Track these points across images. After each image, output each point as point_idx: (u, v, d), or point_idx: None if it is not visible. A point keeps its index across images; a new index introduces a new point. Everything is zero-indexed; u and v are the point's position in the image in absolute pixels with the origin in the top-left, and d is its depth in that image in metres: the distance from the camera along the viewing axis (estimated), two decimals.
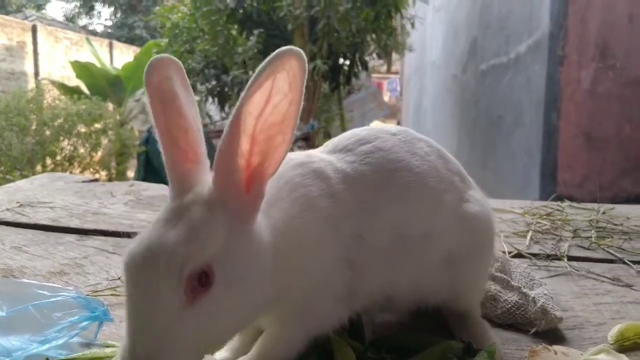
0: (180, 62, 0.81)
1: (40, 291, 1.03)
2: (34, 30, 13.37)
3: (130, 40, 22.57)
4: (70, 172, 8.03)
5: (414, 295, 1.05)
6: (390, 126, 1.13)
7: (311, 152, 1.04)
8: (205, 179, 0.79)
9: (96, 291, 1.35)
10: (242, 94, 0.70)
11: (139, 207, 2.25)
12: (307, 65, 0.71)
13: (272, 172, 0.77)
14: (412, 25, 10.13)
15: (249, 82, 0.70)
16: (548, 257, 1.65)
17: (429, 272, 1.01)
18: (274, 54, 0.69)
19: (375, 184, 0.96)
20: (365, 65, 10.42)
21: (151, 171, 9.28)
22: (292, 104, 0.73)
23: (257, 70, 0.70)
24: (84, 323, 0.98)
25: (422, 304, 1.08)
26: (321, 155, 1.01)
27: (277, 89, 0.72)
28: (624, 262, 1.60)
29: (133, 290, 0.70)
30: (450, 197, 1.04)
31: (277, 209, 0.84)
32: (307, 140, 9.75)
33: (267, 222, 0.81)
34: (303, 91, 0.73)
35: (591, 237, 1.84)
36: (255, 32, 9.08)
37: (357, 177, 0.95)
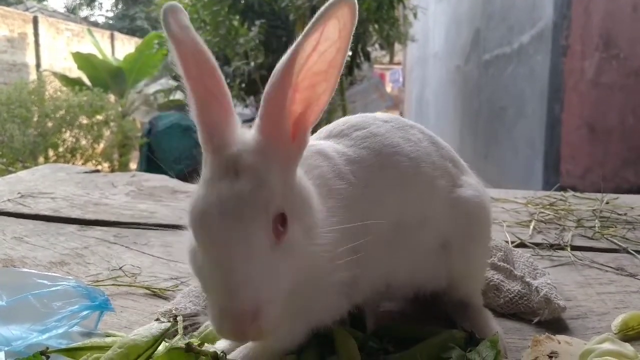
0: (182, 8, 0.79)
1: (40, 280, 1.03)
2: (35, 21, 13.33)
3: (132, 32, 22.51)
4: (73, 164, 8.03)
5: (412, 283, 1.04)
6: (382, 114, 1.13)
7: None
8: (239, 129, 0.78)
9: (97, 281, 1.35)
10: (297, 42, 0.70)
11: (140, 198, 2.25)
12: (357, 13, 0.71)
13: (314, 121, 0.77)
14: (415, 15, 10.05)
15: (304, 32, 0.70)
16: (551, 246, 1.65)
17: (425, 259, 1.01)
18: (324, 6, 0.69)
19: (375, 167, 0.96)
20: (367, 56, 10.36)
21: (154, 162, 9.28)
22: (339, 51, 0.74)
23: (312, 20, 0.70)
24: (84, 312, 0.98)
25: (421, 291, 1.08)
26: (317, 140, 1.00)
27: (326, 37, 0.72)
28: (628, 252, 1.60)
29: (217, 240, 0.70)
30: (444, 182, 1.04)
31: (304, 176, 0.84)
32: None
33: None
34: (350, 39, 0.73)
35: (595, 226, 1.83)
36: (257, 22, 9.02)
37: (359, 160, 0.95)
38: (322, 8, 0.70)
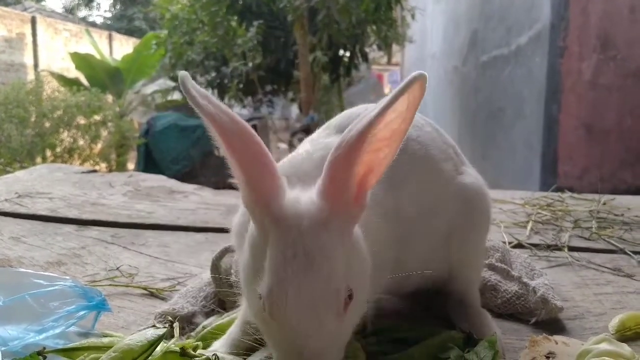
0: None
1: (37, 280, 1.02)
2: (33, 21, 13.31)
3: (130, 32, 22.48)
4: (70, 164, 8.01)
5: (421, 275, 1.04)
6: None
7: (314, 136, 1.03)
8: (289, 192, 0.78)
9: (94, 281, 1.35)
10: (375, 114, 0.71)
11: (137, 198, 2.24)
12: (426, 87, 0.73)
13: (373, 184, 0.78)
14: (413, 16, 10.07)
15: (382, 107, 0.71)
16: (548, 247, 1.65)
17: (435, 248, 1.02)
18: (405, 81, 0.71)
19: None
20: (365, 57, 10.36)
21: (151, 163, 9.27)
22: (404, 121, 0.75)
23: (389, 97, 0.72)
24: (81, 312, 0.97)
25: (424, 285, 1.08)
26: (329, 139, 1.00)
27: (394, 109, 0.73)
28: (625, 253, 1.60)
29: (291, 322, 0.72)
30: (449, 166, 1.07)
31: None
32: (307, 132, 9.70)
33: None
34: (416, 111, 0.75)
35: (592, 227, 1.83)
36: (255, 23, 9.03)
37: None
38: (400, 86, 0.72)
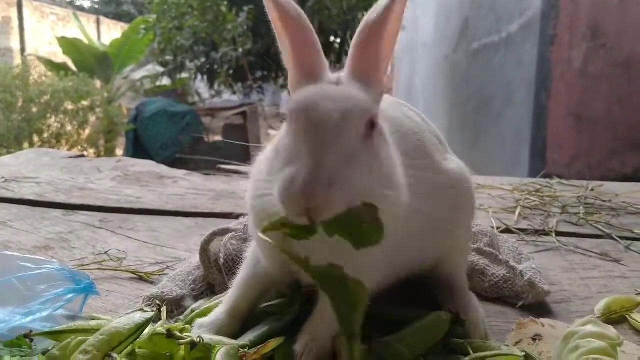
0: None
1: (24, 263, 1.02)
2: (19, 5, 13.10)
3: (118, 16, 22.21)
4: (58, 149, 7.94)
5: (415, 261, 1.05)
6: None
7: None
8: (327, 73, 0.88)
9: (82, 265, 1.34)
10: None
11: (126, 182, 2.23)
12: None
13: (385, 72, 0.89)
14: None
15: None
16: (536, 232, 1.66)
17: (428, 233, 1.01)
18: None
19: (393, 135, 0.97)
20: None
21: (140, 148, 9.21)
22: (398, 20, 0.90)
23: None
24: (69, 295, 0.97)
25: (415, 270, 1.08)
26: None
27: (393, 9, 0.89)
28: (612, 238, 1.61)
29: (312, 123, 0.76)
30: (438, 155, 1.08)
31: None
32: None
33: None
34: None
35: (579, 212, 1.84)
36: (245, 8, 8.94)
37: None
38: None
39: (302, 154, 0.72)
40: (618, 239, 1.60)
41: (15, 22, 13.00)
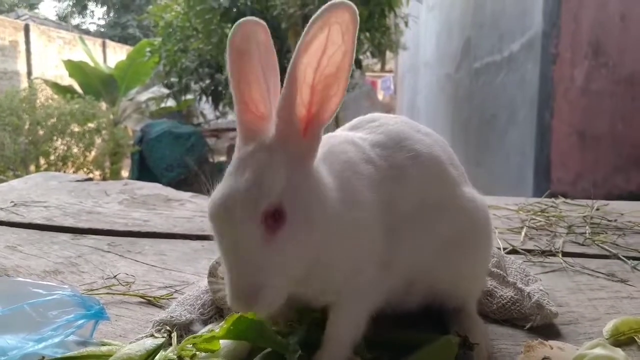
0: (264, 25, 0.86)
1: (36, 290, 1.03)
2: (26, 29, 13.29)
3: (124, 40, 22.49)
4: (64, 172, 7.98)
5: (429, 282, 1.06)
6: (388, 114, 1.17)
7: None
8: (270, 131, 0.84)
9: (91, 290, 1.35)
10: (297, 46, 0.77)
11: (133, 206, 2.24)
12: (358, 18, 0.77)
13: (327, 119, 0.83)
14: (406, 24, 10.11)
15: (302, 35, 0.76)
16: (543, 253, 1.66)
17: (441, 254, 1.02)
18: (324, 7, 0.76)
19: (394, 149, 1.00)
20: (359, 64, 10.39)
21: (145, 170, 9.25)
22: (345, 54, 0.79)
23: (309, 22, 0.76)
24: (80, 321, 0.98)
25: (431, 294, 1.09)
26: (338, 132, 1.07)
27: (332, 41, 0.78)
28: (619, 258, 1.61)
29: (221, 234, 0.80)
30: (454, 171, 1.08)
31: (328, 169, 0.90)
32: None
33: (326, 169, 0.89)
34: (355, 42, 0.79)
35: (585, 233, 1.84)
36: None
37: (380, 143, 1.01)
38: (319, 12, 0.75)
39: (225, 265, 0.81)
40: (625, 259, 1.60)
41: (22, 46, 13.18)
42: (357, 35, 0.79)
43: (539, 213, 2.11)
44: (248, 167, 0.81)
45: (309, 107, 0.82)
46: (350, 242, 0.89)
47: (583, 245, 1.75)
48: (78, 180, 2.75)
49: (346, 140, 0.99)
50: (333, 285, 0.91)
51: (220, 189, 0.81)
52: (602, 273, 1.49)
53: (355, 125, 1.10)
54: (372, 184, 0.93)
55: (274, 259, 0.78)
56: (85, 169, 8.93)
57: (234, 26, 0.84)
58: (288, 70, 0.78)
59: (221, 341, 0.97)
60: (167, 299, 1.31)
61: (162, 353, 0.88)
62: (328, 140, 0.95)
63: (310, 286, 0.91)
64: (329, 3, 0.75)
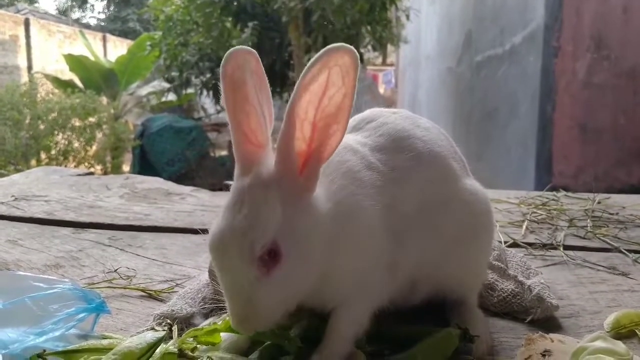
0: (255, 53, 0.86)
1: (37, 283, 1.03)
2: (26, 23, 13.26)
3: (124, 34, 22.45)
4: (65, 167, 7.99)
5: (433, 280, 1.06)
6: (387, 108, 1.16)
7: None
8: (268, 160, 0.85)
9: (92, 284, 1.35)
10: (296, 85, 0.78)
11: (134, 200, 2.25)
12: (358, 61, 0.78)
13: (327, 157, 0.84)
14: (407, 17, 10.08)
15: (301, 75, 0.77)
16: (544, 246, 1.66)
17: (445, 251, 1.02)
18: (324, 49, 0.76)
19: (394, 151, 1.00)
20: (360, 58, 10.32)
21: (146, 165, 9.26)
22: (345, 96, 0.80)
23: (309, 63, 0.76)
24: (81, 315, 0.98)
25: (437, 290, 1.09)
26: None
27: (332, 82, 0.79)
28: (620, 251, 1.61)
29: (219, 269, 0.83)
30: (457, 166, 1.08)
31: (327, 186, 0.90)
32: None
33: (324, 192, 0.88)
34: (355, 85, 0.79)
35: (587, 226, 1.84)
36: (250, 24, 9.02)
37: (379, 147, 1.00)
38: (319, 54, 0.76)
39: (224, 296, 0.84)
40: (626, 252, 1.60)
41: (22, 41, 13.16)
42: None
43: (540, 206, 2.10)
44: (245, 204, 0.81)
45: (310, 143, 0.82)
46: (354, 256, 0.91)
47: (584, 238, 1.75)
48: (79, 175, 2.75)
49: (345, 148, 0.97)
50: (339, 296, 0.93)
51: (218, 224, 0.83)
52: (603, 266, 1.49)
53: (354, 126, 1.08)
54: (374, 191, 0.93)
55: (268, 295, 0.80)
56: (86, 164, 8.94)
57: (225, 56, 0.85)
58: (287, 107, 0.79)
59: (222, 334, 0.97)
60: (168, 292, 1.31)
61: (163, 346, 0.88)
62: None
63: (316, 299, 0.93)
64: (328, 47, 0.77)
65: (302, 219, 0.83)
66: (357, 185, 0.92)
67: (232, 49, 0.86)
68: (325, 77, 0.78)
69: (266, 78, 0.87)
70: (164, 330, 0.95)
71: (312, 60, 0.77)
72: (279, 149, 0.82)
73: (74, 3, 29.98)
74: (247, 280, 0.79)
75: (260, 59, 0.87)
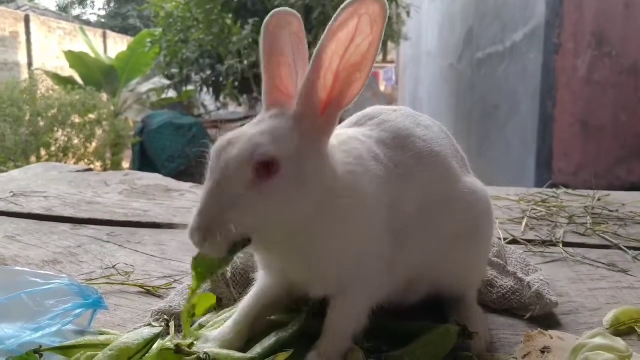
0: (298, 15, 0.91)
1: (33, 278, 1.02)
2: (26, 20, 13.23)
3: (124, 30, 22.43)
4: (65, 163, 7.98)
5: (431, 277, 1.06)
6: (388, 106, 1.16)
7: None
8: (292, 107, 0.88)
9: (90, 279, 1.34)
10: (325, 32, 0.80)
11: (133, 196, 2.24)
12: (387, 11, 0.80)
13: (346, 104, 0.86)
14: (408, 13, 10.05)
15: (330, 23, 0.79)
16: (543, 243, 1.65)
17: (444, 250, 1.02)
18: None
19: (397, 148, 0.99)
20: None
21: (146, 161, 9.25)
22: (371, 45, 0.82)
23: (338, 9, 0.79)
24: (77, 310, 0.97)
25: (436, 288, 1.09)
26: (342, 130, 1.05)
27: (360, 30, 0.81)
28: (619, 248, 1.61)
29: (212, 168, 0.83)
30: (456, 165, 1.07)
31: (342, 161, 0.91)
32: None
33: (339, 157, 0.90)
34: (382, 34, 0.82)
35: (586, 223, 1.84)
36: (250, 21, 8.99)
37: (383, 142, 1.00)
38: (350, 0, 0.79)
39: (200, 198, 0.83)
40: (625, 249, 1.59)
41: (22, 37, 13.12)
42: (384, 26, 0.81)
43: (540, 203, 2.10)
44: (263, 123, 0.86)
45: (330, 91, 0.84)
46: (349, 230, 0.89)
47: (584, 235, 1.74)
48: (78, 171, 2.74)
49: (353, 136, 0.99)
50: (330, 274, 0.90)
51: (234, 131, 0.86)
52: (603, 263, 1.49)
53: (355, 122, 1.08)
54: (380, 182, 0.93)
55: (252, 203, 0.80)
56: (85, 160, 8.92)
57: (268, 14, 0.89)
58: (314, 54, 0.81)
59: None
60: (166, 288, 1.31)
61: (159, 342, 0.88)
62: (335, 137, 0.95)
63: (306, 272, 0.91)
64: None
65: (313, 156, 0.85)
66: (366, 171, 0.93)
67: (277, 9, 0.89)
68: (355, 24, 0.80)
69: (305, 41, 0.90)
70: (160, 326, 0.94)
71: (341, 6, 0.79)
72: (301, 94, 0.85)
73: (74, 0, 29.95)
74: (239, 179, 0.80)
75: (302, 22, 0.90)
